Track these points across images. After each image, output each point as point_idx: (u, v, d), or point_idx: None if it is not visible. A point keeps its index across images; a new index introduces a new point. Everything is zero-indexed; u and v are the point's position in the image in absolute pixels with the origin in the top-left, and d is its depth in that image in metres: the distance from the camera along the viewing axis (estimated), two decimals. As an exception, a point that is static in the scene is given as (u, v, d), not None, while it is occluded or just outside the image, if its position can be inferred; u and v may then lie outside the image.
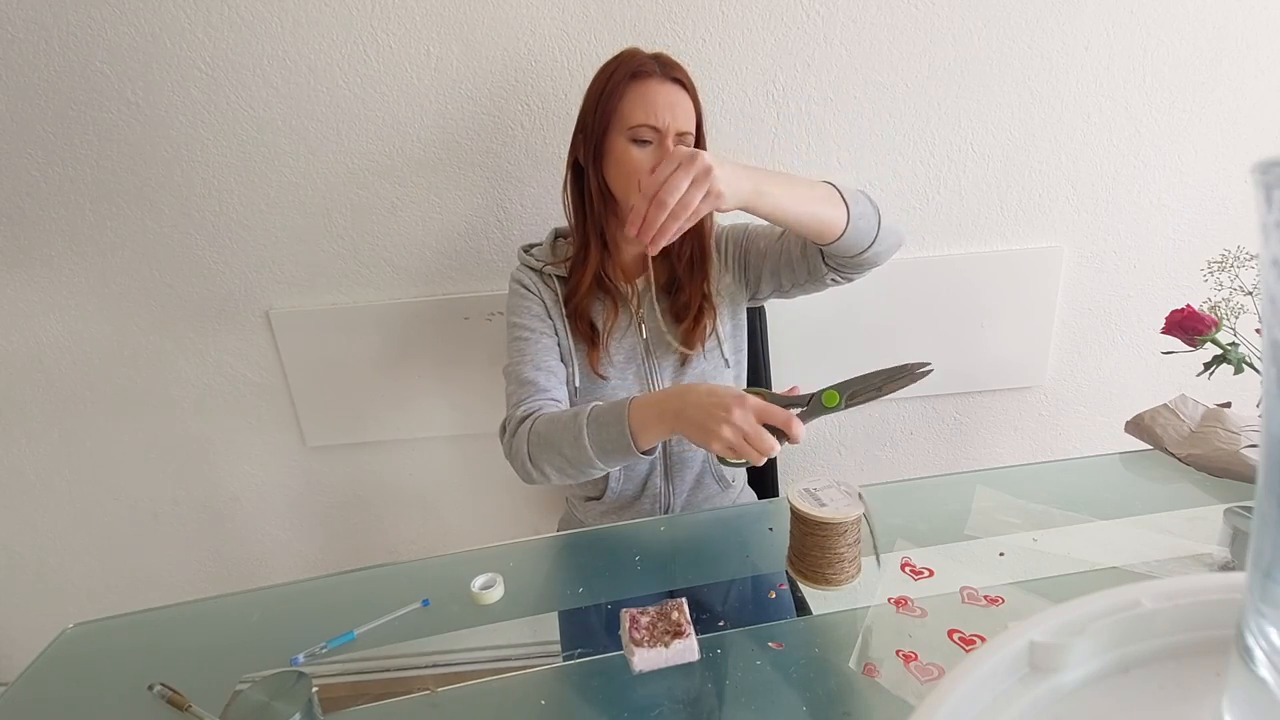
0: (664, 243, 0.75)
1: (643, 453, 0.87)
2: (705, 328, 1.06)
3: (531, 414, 0.95)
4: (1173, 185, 1.36)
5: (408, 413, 1.45)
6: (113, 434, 1.44)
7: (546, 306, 1.05)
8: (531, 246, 1.11)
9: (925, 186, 1.34)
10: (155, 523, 1.53)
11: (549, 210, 1.32)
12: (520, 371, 1.01)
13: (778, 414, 0.76)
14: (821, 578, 0.83)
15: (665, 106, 0.93)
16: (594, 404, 0.90)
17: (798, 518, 0.82)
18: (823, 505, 0.81)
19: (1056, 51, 1.25)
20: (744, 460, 0.80)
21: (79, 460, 1.46)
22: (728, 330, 1.10)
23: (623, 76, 0.95)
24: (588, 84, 1.00)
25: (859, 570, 0.84)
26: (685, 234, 0.96)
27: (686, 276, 1.06)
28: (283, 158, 1.25)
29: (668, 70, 0.95)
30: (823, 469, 1.57)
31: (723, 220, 1.13)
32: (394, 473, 1.52)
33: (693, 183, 0.73)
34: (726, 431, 0.75)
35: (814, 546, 0.82)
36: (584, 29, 1.20)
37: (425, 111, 1.24)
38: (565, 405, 1.01)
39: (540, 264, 1.06)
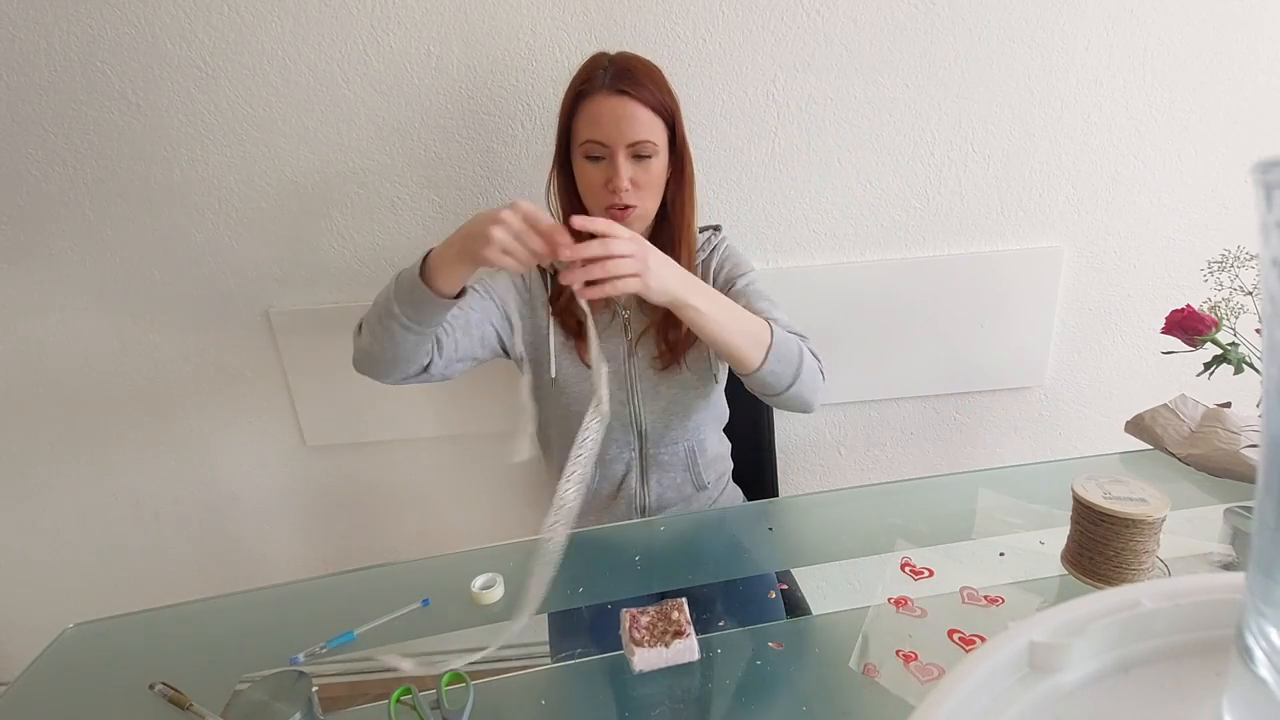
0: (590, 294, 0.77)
1: (435, 291, 0.85)
2: (687, 344, 1.06)
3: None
4: (1173, 185, 1.36)
5: (408, 413, 1.45)
6: (113, 434, 1.44)
7: (532, 295, 1.07)
8: None
9: (925, 186, 1.34)
10: (155, 523, 1.53)
11: (545, 198, 1.32)
12: None
13: (543, 222, 0.75)
14: (1120, 578, 0.78)
15: (610, 122, 0.93)
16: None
17: (1099, 514, 0.77)
18: (1117, 499, 0.76)
19: (1056, 51, 1.25)
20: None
21: (79, 460, 1.46)
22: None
23: (574, 94, 0.96)
24: None
25: (1154, 567, 0.79)
26: (672, 244, 1.01)
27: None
28: (283, 158, 1.25)
29: (616, 82, 0.93)
30: (822, 469, 1.57)
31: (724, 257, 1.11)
32: (394, 473, 1.52)
33: (628, 258, 0.76)
34: (497, 232, 0.74)
35: (1121, 549, 0.76)
36: (584, 29, 1.20)
37: (425, 111, 1.24)
38: (441, 343, 0.97)
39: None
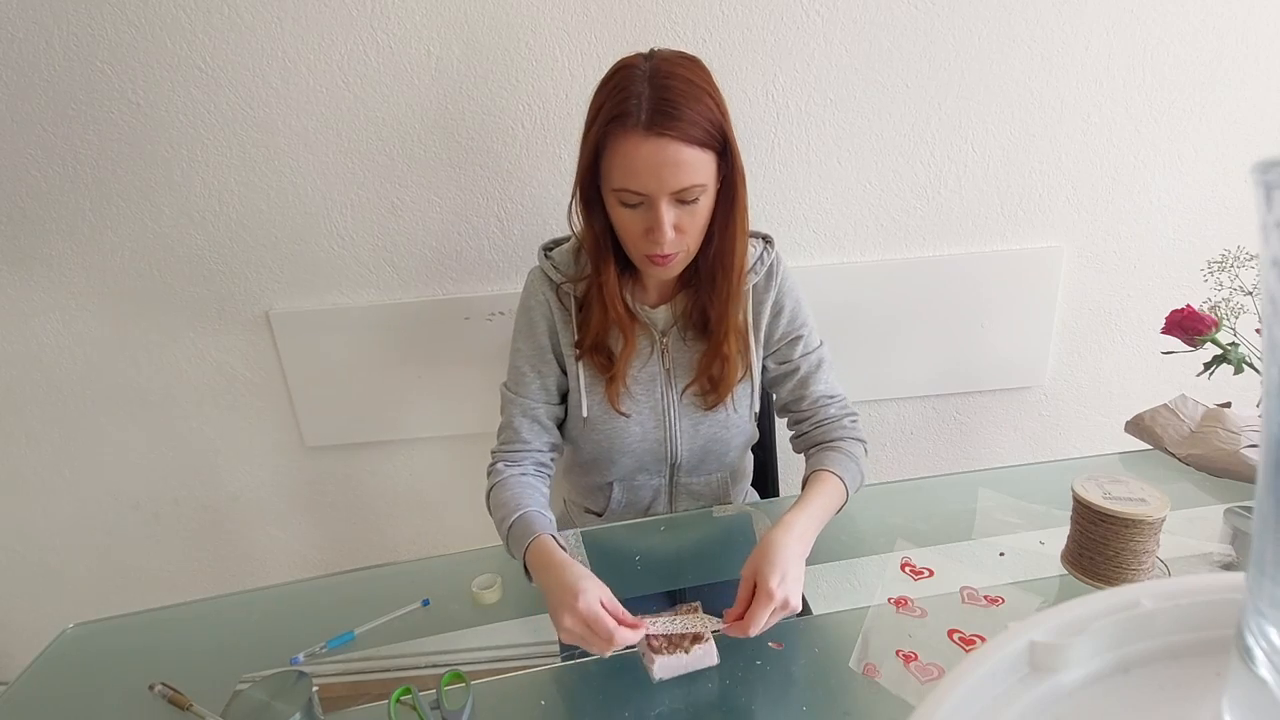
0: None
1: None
2: (735, 381, 0.96)
3: (500, 477, 0.95)
4: (1173, 185, 1.36)
5: (408, 413, 1.45)
6: (113, 434, 1.44)
7: (556, 333, 0.97)
8: (554, 246, 1.00)
9: (925, 186, 1.34)
10: (155, 523, 1.53)
11: (549, 210, 1.32)
12: (510, 414, 0.99)
13: (601, 628, 0.71)
14: (1120, 578, 0.77)
15: (649, 171, 0.78)
16: (521, 514, 0.87)
17: (1099, 514, 0.76)
18: (1117, 499, 0.76)
19: (1056, 51, 1.25)
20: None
21: (79, 460, 1.46)
22: (759, 377, 1.02)
23: (604, 121, 0.80)
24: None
25: (1154, 568, 0.79)
26: (716, 267, 0.91)
27: (721, 322, 0.93)
28: (283, 158, 1.25)
29: (655, 121, 0.77)
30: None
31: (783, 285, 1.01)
32: (394, 473, 1.52)
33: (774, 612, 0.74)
34: (567, 622, 0.72)
35: (1121, 549, 0.76)
36: (584, 28, 1.20)
37: (425, 111, 1.24)
38: (545, 455, 0.99)
39: (560, 278, 0.96)
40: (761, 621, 0.72)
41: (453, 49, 1.20)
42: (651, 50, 0.84)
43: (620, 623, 0.72)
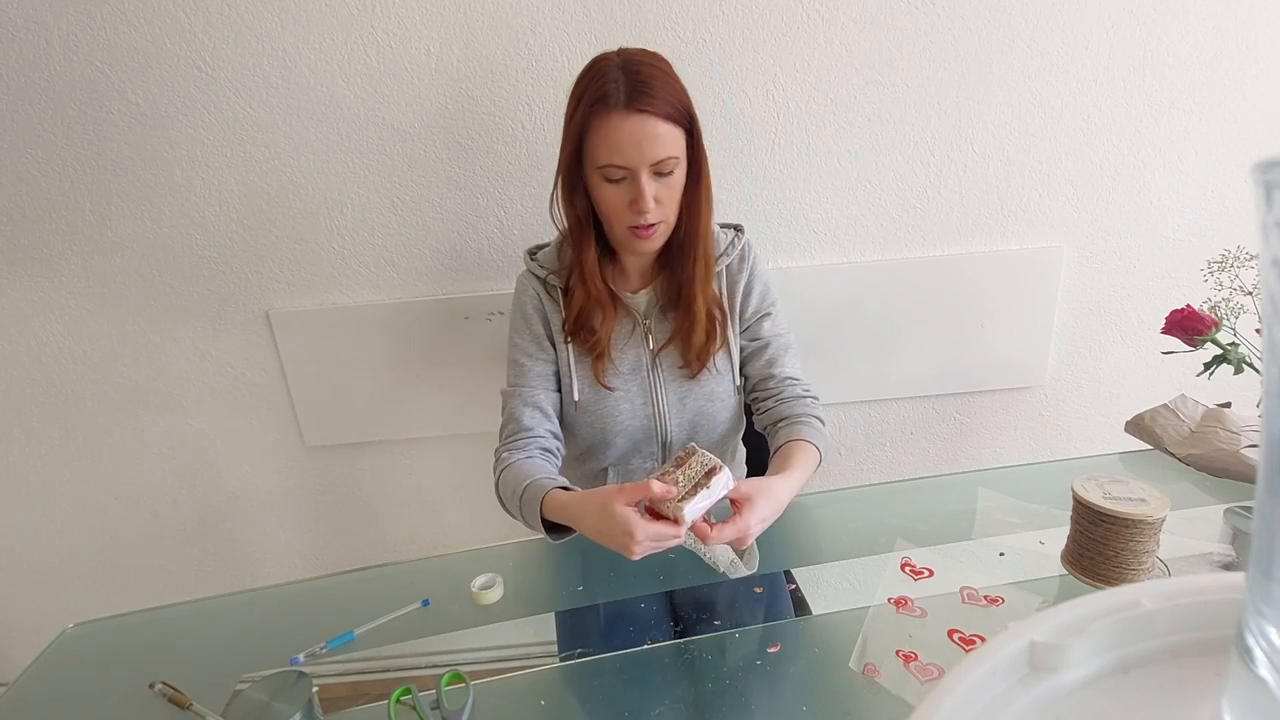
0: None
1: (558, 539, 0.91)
2: (713, 348, 1.02)
3: (506, 464, 0.97)
4: (1173, 185, 1.36)
5: (408, 413, 1.45)
6: (113, 434, 1.44)
7: (548, 320, 1.02)
8: (538, 250, 1.07)
9: (925, 186, 1.34)
10: (155, 523, 1.53)
11: (548, 210, 1.32)
12: (512, 407, 1.02)
13: (666, 533, 0.76)
14: (1120, 578, 0.77)
15: (630, 145, 0.86)
16: (532, 482, 0.90)
17: (1099, 514, 0.77)
18: (1117, 499, 0.76)
19: (1056, 51, 1.25)
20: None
21: (79, 460, 1.46)
22: (737, 351, 1.06)
23: (586, 105, 0.88)
24: None
25: (1154, 568, 0.79)
26: (688, 248, 0.98)
27: (694, 292, 1.00)
28: (283, 158, 1.25)
29: (633, 99, 0.85)
30: (822, 469, 1.57)
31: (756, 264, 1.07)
32: (394, 473, 1.52)
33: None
34: (639, 551, 0.77)
35: (1121, 549, 0.77)
36: (584, 29, 1.20)
37: (425, 111, 1.24)
38: (550, 441, 1.01)
39: (544, 272, 1.02)
40: (749, 523, 0.79)
41: (453, 49, 1.20)
42: (620, 48, 0.93)
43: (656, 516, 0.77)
